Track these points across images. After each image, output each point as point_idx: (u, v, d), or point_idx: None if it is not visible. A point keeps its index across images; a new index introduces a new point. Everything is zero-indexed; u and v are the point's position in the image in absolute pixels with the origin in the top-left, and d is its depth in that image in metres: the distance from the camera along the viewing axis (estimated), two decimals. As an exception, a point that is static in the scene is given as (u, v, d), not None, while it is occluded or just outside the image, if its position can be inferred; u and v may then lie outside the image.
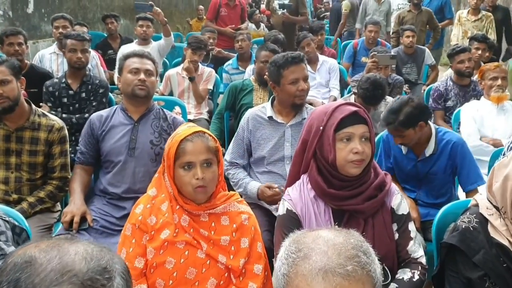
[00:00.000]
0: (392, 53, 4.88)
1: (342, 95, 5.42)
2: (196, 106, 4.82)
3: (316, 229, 1.11)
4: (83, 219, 2.54)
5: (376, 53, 4.45)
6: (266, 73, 3.00)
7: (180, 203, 1.92)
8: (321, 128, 1.89)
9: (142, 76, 2.72)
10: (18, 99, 2.70)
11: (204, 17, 10.39)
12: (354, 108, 1.87)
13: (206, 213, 1.95)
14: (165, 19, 5.32)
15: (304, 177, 1.99)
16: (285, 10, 6.52)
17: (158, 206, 1.96)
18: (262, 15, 7.41)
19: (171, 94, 4.84)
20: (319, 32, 6.14)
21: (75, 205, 2.57)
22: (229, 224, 1.95)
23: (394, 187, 2.00)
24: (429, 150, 2.81)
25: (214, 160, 1.92)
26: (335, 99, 5.06)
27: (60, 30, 4.95)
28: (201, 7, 10.93)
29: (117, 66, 5.09)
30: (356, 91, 3.66)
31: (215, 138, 1.97)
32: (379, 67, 4.34)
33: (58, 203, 2.91)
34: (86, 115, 3.74)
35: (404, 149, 2.90)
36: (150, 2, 5.23)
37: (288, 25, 6.42)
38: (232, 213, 1.97)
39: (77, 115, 3.74)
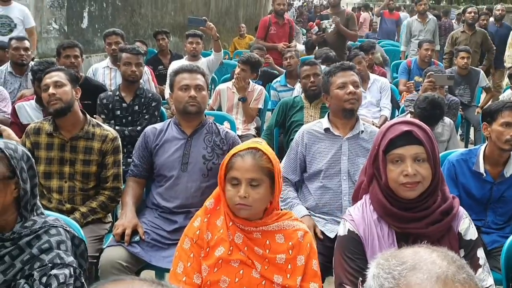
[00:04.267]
0: (450, 74, 4.74)
1: (393, 115, 5.29)
2: (244, 122, 4.80)
3: (404, 248, 1.08)
4: (134, 232, 2.52)
5: (432, 72, 4.32)
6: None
7: (231, 217, 1.87)
8: (376, 148, 1.84)
9: (192, 92, 2.70)
10: (71, 104, 2.73)
11: (246, 34, 10.50)
12: (406, 128, 1.78)
13: (259, 231, 1.89)
14: (217, 35, 5.35)
15: (366, 198, 1.91)
16: (334, 28, 6.47)
17: (214, 221, 1.92)
18: (310, 28, 7.38)
19: (220, 109, 4.84)
20: (370, 51, 6.05)
21: (127, 218, 2.57)
22: (284, 242, 1.89)
23: (462, 210, 1.89)
24: (510, 170, 2.70)
25: (263, 180, 1.83)
26: (386, 119, 4.95)
27: (113, 46, 5.04)
28: (243, 25, 11.04)
29: (168, 82, 5.28)
30: (412, 110, 3.54)
31: (273, 158, 1.89)
32: (435, 87, 4.21)
33: (110, 214, 2.91)
34: (139, 127, 3.78)
35: (481, 168, 2.75)
36: (204, 18, 5.29)
37: (338, 43, 6.35)
38: (287, 231, 1.91)
39: (129, 128, 3.78)
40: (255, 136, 4.67)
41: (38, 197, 1.90)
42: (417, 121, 1.85)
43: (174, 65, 5.43)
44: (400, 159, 1.76)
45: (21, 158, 1.81)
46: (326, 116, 2.85)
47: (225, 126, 4.08)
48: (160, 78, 5.87)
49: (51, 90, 2.70)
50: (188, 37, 5.64)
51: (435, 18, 8.12)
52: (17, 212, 1.82)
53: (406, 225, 1.80)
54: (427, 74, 4.32)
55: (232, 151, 1.87)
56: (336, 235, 2.49)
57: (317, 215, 2.70)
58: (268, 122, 4.34)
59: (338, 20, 6.35)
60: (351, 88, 2.70)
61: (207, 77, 2.89)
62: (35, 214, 1.87)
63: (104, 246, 2.61)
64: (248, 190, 1.80)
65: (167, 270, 2.55)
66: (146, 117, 3.85)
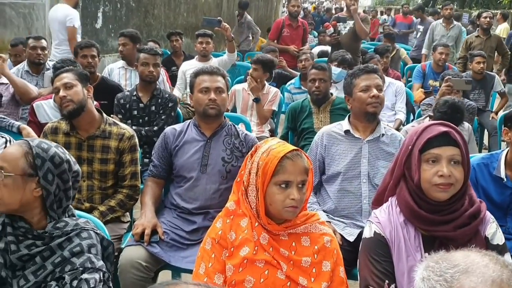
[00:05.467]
0: (468, 78, 4.71)
1: (408, 118, 5.27)
2: (258, 124, 4.79)
3: (453, 251, 1.07)
4: (154, 232, 2.52)
5: (450, 77, 4.29)
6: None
7: (262, 222, 1.84)
8: (410, 147, 1.82)
9: (212, 95, 2.69)
10: (83, 104, 2.73)
11: (258, 36, 10.50)
12: (444, 129, 1.77)
13: (286, 232, 1.87)
14: (232, 35, 5.35)
15: (392, 200, 1.89)
16: (349, 30, 6.46)
17: (238, 221, 1.91)
18: (326, 29, 7.37)
19: (234, 109, 4.84)
20: (384, 54, 6.04)
21: (146, 218, 2.57)
22: (310, 245, 1.87)
23: (490, 215, 1.88)
24: None
25: (306, 181, 1.85)
26: (400, 123, 4.93)
27: (120, 48, 5.07)
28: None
29: (178, 82, 5.30)
30: (431, 114, 3.52)
31: (309, 158, 1.90)
32: (453, 92, 4.18)
33: (128, 213, 2.91)
34: (155, 128, 3.79)
35: (502, 173, 2.72)
36: (219, 18, 5.29)
37: (352, 45, 6.34)
38: (313, 234, 1.89)
39: (146, 128, 3.78)
40: (268, 138, 4.66)
41: (70, 200, 1.90)
42: (451, 124, 1.84)
43: (185, 66, 5.46)
44: (436, 159, 1.75)
45: (49, 159, 1.81)
46: (346, 118, 2.84)
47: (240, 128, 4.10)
48: (173, 79, 5.87)
49: (61, 93, 2.71)
50: (198, 37, 5.58)
51: (460, 24, 8.08)
52: (44, 211, 1.82)
53: (433, 228, 1.78)
54: (445, 78, 4.29)
55: (275, 154, 1.81)
56: (356, 238, 2.53)
57: (336, 218, 2.68)
58: (283, 128, 4.32)
59: (357, 8, 6.34)
60: (374, 91, 2.68)
61: (228, 79, 2.88)
62: (66, 215, 1.87)
63: (123, 246, 2.61)
64: (298, 191, 1.81)
65: (185, 271, 2.56)
66: (163, 117, 3.85)
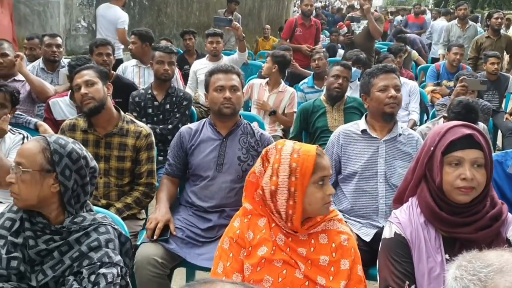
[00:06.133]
0: (483, 78, 4.68)
1: (421, 119, 5.24)
2: (271, 123, 4.80)
3: (486, 250, 1.07)
4: (166, 227, 2.53)
5: (465, 77, 4.26)
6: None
7: (294, 225, 1.83)
8: (432, 148, 1.80)
9: (227, 94, 2.68)
10: (103, 102, 2.74)
11: (270, 36, 10.50)
12: (468, 131, 1.75)
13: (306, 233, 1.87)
14: (243, 35, 5.35)
15: (413, 200, 1.88)
16: (363, 30, 6.45)
17: (255, 221, 1.90)
18: (339, 28, 7.35)
19: (248, 102, 4.85)
20: (398, 54, 6.01)
21: (160, 212, 2.58)
22: (327, 242, 1.87)
23: (511, 217, 1.85)
24: None
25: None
26: (414, 123, 4.90)
27: (129, 46, 5.09)
28: (267, 26, 11.05)
29: (189, 82, 5.31)
30: (445, 114, 3.50)
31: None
32: (467, 92, 4.16)
33: (144, 211, 2.93)
34: (170, 126, 3.80)
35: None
36: (230, 17, 5.29)
37: (365, 45, 6.32)
38: (331, 232, 1.89)
39: (160, 126, 3.80)
40: (281, 137, 4.67)
41: (88, 196, 1.91)
42: (474, 125, 1.82)
43: (196, 65, 5.47)
44: (458, 162, 1.73)
45: (67, 155, 1.82)
46: (363, 117, 2.83)
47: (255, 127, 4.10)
48: (186, 78, 5.88)
49: (83, 90, 2.72)
50: (208, 36, 5.57)
51: (475, 24, 8.01)
52: (61, 206, 1.84)
53: (454, 230, 1.77)
54: (460, 79, 4.26)
55: (307, 153, 1.80)
56: (372, 238, 2.53)
57: (352, 218, 2.67)
58: (293, 128, 4.31)
59: (370, 7, 6.31)
60: (392, 92, 2.67)
61: (243, 77, 2.86)
62: (84, 210, 1.88)
63: (139, 243, 2.62)
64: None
65: (200, 268, 2.57)
66: (177, 115, 3.86)
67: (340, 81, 3.93)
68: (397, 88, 2.71)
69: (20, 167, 1.76)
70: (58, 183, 1.81)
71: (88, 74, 2.76)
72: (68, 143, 1.86)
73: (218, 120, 2.76)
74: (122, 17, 6.04)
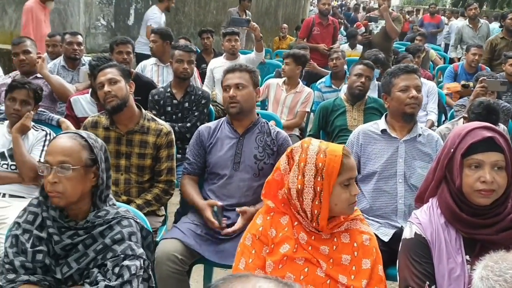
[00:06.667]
0: (503, 79, 4.63)
1: (439, 119, 5.21)
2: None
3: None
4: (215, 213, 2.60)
5: (485, 78, 4.23)
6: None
7: (321, 225, 1.83)
8: (452, 150, 1.79)
9: (231, 92, 2.69)
10: (126, 100, 2.79)
11: (287, 35, 10.48)
12: (488, 134, 1.74)
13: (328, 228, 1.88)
14: (261, 35, 5.36)
15: (433, 201, 1.88)
16: (380, 30, 6.42)
17: (278, 219, 1.92)
18: (357, 28, 7.34)
19: (265, 101, 4.86)
20: (416, 54, 5.98)
21: (202, 204, 2.63)
22: (349, 242, 1.88)
23: (533, 218, 1.84)
24: None
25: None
26: (432, 124, 4.88)
27: (150, 44, 5.14)
28: (284, 25, 11.03)
29: (206, 81, 5.35)
30: (466, 115, 3.48)
31: None
32: (487, 93, 4.12)
33: (163, 208, 2.96)
34: (188, 124, 3.83)
35: None
36: (247, 18, 5.31)
37: (383, 45, 6.29)
38: (353, 231, 1.90)
39: (179, 124, 3.83)
40: (298, 137, 4.67)
41: (110, 189, 1.95)
42: (495, 127, 1.81)
43: (213, 63, 5.50)
44: (478, 165, 1.72)
45: (100, 148, 1.88)
46: (383, 117, 2.83)
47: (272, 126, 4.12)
48: (203, 76, 5.91)
49: (106, 88, 2.76)
50: (226, 35, 5.59)
51: (487, 22, 7.92)
52: (91, 201, 1.87)
53: (475, 231, 1.76)
54: (480, 79, 4.23)
55: (333, 153, 1.80)
56: (390, 239, 2.53)
57: (371, 218, 2.67)
58: (311, 127, 4.31)
59: (387, 6, 6.28)
60: (413, 92, 2.67)
61: (255, 74, 2.83)
62: (107, 204, 1.92)
63: (158, 239, 2.65)
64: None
65: (217, 265, 2.59)
66: (196, 114, 3.90)
67: (362, 80, 3.92)
68: (418, 89, 2.71)
69: (69, 165, 1.78)
70: (96, 177, 1.86)
71: (111, 73, 2.80)
72: (97, 138, 1.92)
73: (234, 118, 2.78)
74: (152, 16, 6.59)
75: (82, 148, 1.83)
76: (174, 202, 3.18)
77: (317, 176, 1.79)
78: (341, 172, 1.79)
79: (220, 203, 2.60)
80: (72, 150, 1.82)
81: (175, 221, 3.50)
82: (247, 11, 8.11)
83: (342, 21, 11.99)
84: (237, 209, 2.58)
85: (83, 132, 1.91)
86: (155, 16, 6.63)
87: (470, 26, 7.63)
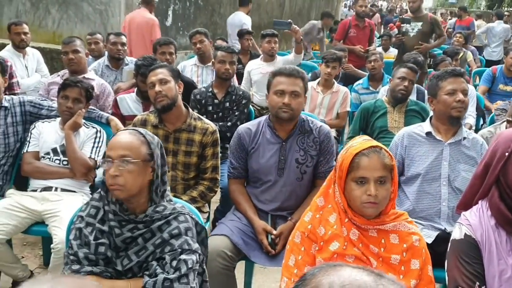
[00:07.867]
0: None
1: (477, 123, 5.17)
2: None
3: None
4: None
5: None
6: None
7: (349, 215, 1.90)
8: (507, 154, 1.80)
9: (286, 99, 2.61)
10: (175, 100, 2.88)
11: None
12: None
13: (375, 229, 1.91)
14: (301, 37, 5.40)
15: (483, 203, 1.90)
16: (417, 32, 6.39)
17: (326, 217, 1.96)
18: (390, 30, 7.31)
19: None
20: (454, 57, 5.93)
21: (257, 228, 2.64)
22: (399, 243, 1.90)
23: None
24: None
25: (388, 177, 1.85)
26: (470, 127, 4.83)
27: (198, 45, 5.21)
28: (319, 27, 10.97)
29: (243, 82, 5.41)
30: (510, 119, 3.45)
31: (391, 155, 1.91)
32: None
33: (207, 204, 3.04)
34: (229, 123, 3.91)
35: None
36: (289, 20, 5.35)
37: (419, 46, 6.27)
38: (402, 233, 1.92)
39: (220, 123, 3.91)
40: (336, 138, 4.69)
41: (167, 185, 2.03)
42: None
43: (250, 65, 5.53)
44: None
45: (157, 145, 1.96)
46: (428, 119, 2.85)
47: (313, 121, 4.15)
48: (239, 77, 5.98)
49: (157, 88, 2.86)
50: (265, 36, 5.61)
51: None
52: (148, 196, 1.96)
53: None
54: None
55: (351, 151, 1.85)
56: (433, 241, 2.53)
57: (413, 220, 2.67)
58: (350, 128, 4.32)
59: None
60: (460, 96, 2.68)
61: (307, 81, 2.79)
62: (165, 200, 2.00)
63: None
64: (377, 187, 1.82)
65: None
66: (236, 113, 3.97)
67: (406, 83, 3.91)
68: (465, 92, 2.72)
69: (130, 159, 1.87)
70: (153, 171, 1.94)
71: (162, 73, 2.90)
72: (153, 135, 2.00)
73: (277, 122, 2.73)
74: (244, 20, 7.24)
75: (141, 143, 1.91)
76: (213, 201, 3.23)
77: (336, 170, 1.92)
78: (352, 169, 1.83)
79: (275, 232, 2.60)
80: (132, 144, 1.90)
81: (215, 219, 3.59)
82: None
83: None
84: (273, 233, 2.60)
85: (141, 129, 1.99)
86: (247, 20, 7.32)
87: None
